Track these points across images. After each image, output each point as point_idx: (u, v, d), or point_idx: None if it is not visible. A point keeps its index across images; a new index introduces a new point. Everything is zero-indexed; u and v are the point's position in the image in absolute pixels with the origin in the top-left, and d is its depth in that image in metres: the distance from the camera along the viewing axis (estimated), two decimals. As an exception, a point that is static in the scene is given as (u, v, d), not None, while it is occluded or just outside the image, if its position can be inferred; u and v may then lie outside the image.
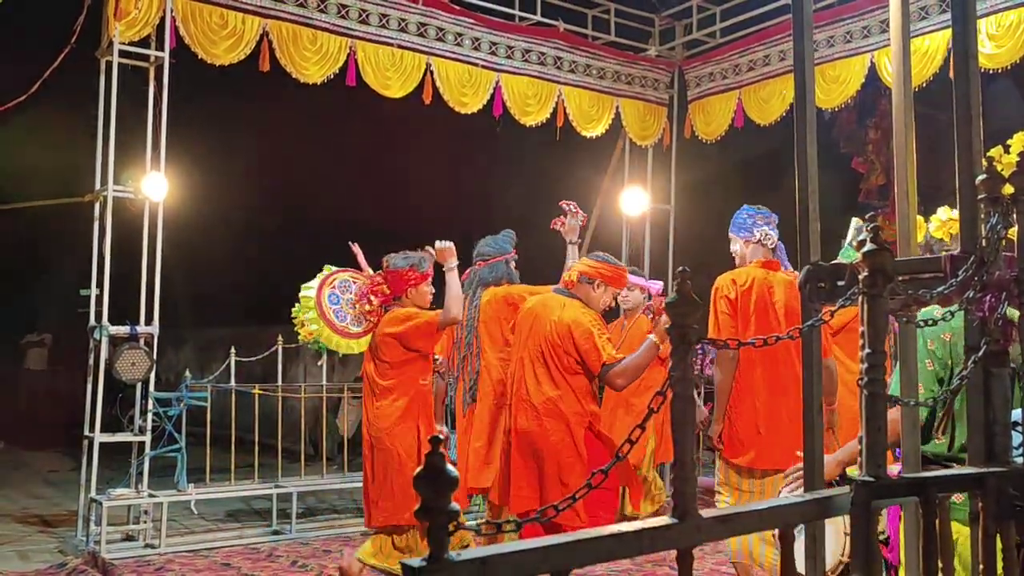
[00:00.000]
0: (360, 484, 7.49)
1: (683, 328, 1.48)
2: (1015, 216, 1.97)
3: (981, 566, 1.81)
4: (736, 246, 4.54)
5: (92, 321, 6.13)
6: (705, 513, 1.48)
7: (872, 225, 1.69)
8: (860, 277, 1.66)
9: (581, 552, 1.37)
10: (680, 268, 1.49)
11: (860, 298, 1.66)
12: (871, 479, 1.63)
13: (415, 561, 1.20)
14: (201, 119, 11.50)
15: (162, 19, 6.14)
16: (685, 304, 1.48)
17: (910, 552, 2.15)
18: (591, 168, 9.55)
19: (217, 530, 6.73)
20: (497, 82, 7.63)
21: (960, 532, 2.22)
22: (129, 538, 6.16)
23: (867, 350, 1.64)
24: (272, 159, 14.52)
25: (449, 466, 1.22)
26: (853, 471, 2.43)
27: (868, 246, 1.66)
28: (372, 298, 4.66)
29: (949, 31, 6.34)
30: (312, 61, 6.74)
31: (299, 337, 7.19)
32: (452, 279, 4.53)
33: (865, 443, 1.66)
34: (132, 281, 6.21)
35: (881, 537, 2.80)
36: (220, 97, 11.53)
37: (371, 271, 4.76)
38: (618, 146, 8.97)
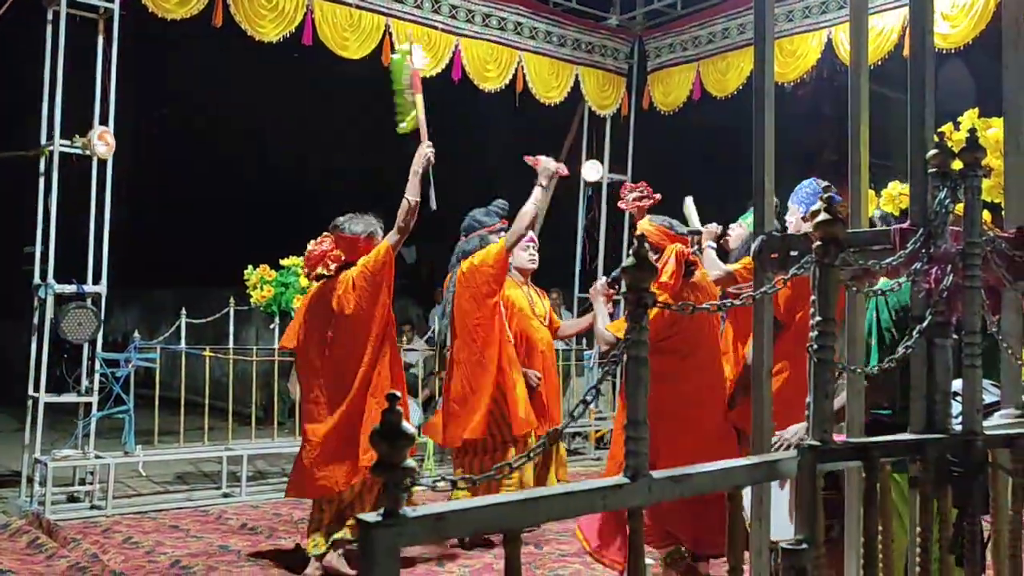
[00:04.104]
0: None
1: (639, 292, 1.50)
2: (963, 191, 2.02)
3: (919, 528, 1.88)
4: (793, 218, 4.28)
5: (37, 279, 5.99)
6: (658, 473, 1.51)
7: (827, 196, 1.72)
8: (813, 246, 1.69)
9: (535, 510, 1.39)
10: (638, 234, 1.51)
11: (812, 267, 1.69)
12: (817, 444, 1.67)
13: (370, 516, 1.21)
14: (152, 75, 11.23)
15: (112, -31, 5.96)
16: (641, 268, 1.50)
17: (851, 511, 2.22)
18: (549, 137, 9.53)
19: (165, 492, 6.67)
20: (456, 46, 7.56)
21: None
22: (74, 499, 6.09)
23: (818, 318, 1.68)
24: (224, 119, 14.25)
25: (405, 423, 1.23)
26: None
27: (821, 216, 1.69)
28: (330, 264, 4.76)
29: (904, 10, 6.43)
30: (268, 19, 6.59)
31: (251, 300, 7.17)
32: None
33: (812, 409, 1.70)
34: (78, 239, 6.08)
35: None
36: (172, 53, 11.26)
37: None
38: (577, 115, 8.97)
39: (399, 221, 4.68)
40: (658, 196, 4.68)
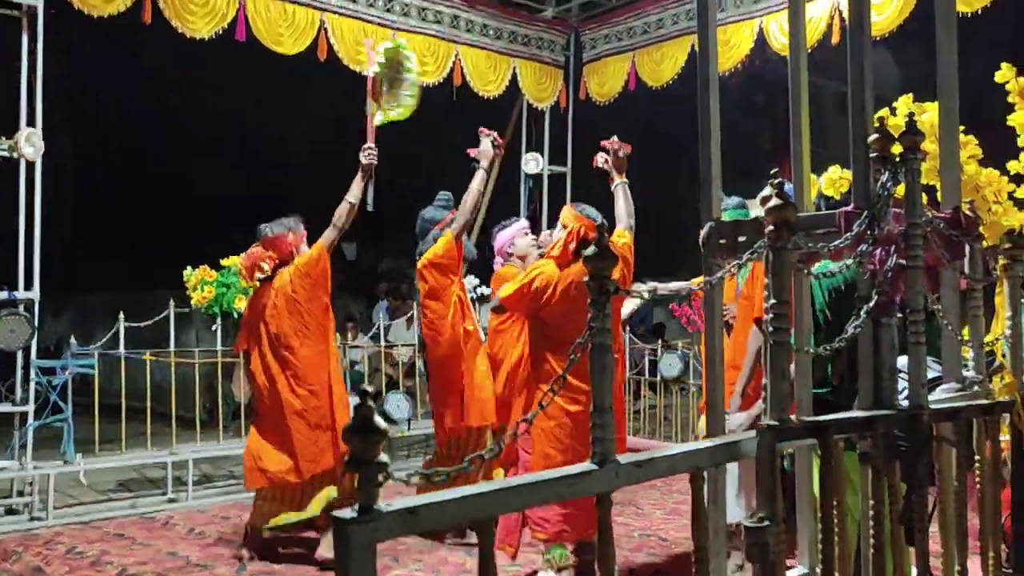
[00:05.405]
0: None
1: (601, 280, 1.52)
2: (903, 173, 2.08)
3: (871, 501, 1.93)
4: None
5: (-35, 286, 5.80)
6: (623, 458, 1.53)
7: (777, 182, 1.76)
8: (766, 231, 1.73)
9: (505, 500, 1.40)
10: (600, 222, 1.53)
11: (766, 251, 1.73)
12: (775, 423, 1.71)
13: (346, 513, 1.21)
14: (80, 74, 10.91)
15: (34, -35, 5.76)
16: (603, 258, 1.52)
17: (803, 487, 2.28)
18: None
19: (108, 500, 6.51)
20: (393, 40, 7.50)
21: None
22: (12, 512, 5.91)
23: (772, 300, 1.72)
24: (155, 118, 13.93)
25: (378, 418, 1.23)
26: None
27: (773, 201, 1.73)
28: (263, 265, 4.88)
29: (833, -1, 6.59)
30: (199, 15, 6.45)
31: (191, 301, 7.03)
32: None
33: (769, 390, 1.74)
34: (8, 244, 5.89)
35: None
36: (100, 50, 10.95)
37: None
38: (515, 108, 8.98)
39: (336, 220, 4.86)
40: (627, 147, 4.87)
